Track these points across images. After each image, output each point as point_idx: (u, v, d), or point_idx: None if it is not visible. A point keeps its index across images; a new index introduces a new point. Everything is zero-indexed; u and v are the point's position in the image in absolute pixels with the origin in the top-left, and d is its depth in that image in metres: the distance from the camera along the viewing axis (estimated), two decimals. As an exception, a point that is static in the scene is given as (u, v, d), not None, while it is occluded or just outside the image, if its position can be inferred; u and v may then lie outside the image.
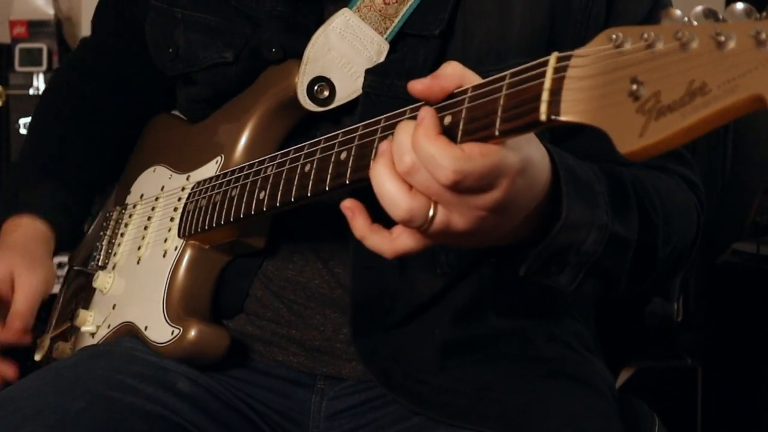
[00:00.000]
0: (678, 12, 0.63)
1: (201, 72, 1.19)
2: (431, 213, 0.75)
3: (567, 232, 0.84)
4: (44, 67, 2.70)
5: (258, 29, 1.13)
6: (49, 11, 2.80)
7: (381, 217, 0.80)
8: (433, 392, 1.03)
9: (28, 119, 2.63)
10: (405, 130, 0.75)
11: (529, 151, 0.77)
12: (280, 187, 0.96)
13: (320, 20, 1.10)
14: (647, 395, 1.30)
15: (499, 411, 0.98)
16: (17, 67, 2.71)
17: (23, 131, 2.65)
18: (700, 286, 2.06)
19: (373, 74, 1.04)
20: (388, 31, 1.05)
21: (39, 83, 2.70)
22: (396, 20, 1.05)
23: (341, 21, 1.06)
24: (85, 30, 2.93)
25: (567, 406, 0.99)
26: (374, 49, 1.05)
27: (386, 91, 1.03)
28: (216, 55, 1.16)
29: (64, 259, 1.44)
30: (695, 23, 0.61)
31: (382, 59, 1.05)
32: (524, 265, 0.86)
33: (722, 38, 0.58)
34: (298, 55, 1.09)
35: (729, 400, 2.23)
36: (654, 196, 0.98)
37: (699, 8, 0.61)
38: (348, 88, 1.06)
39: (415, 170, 0.74)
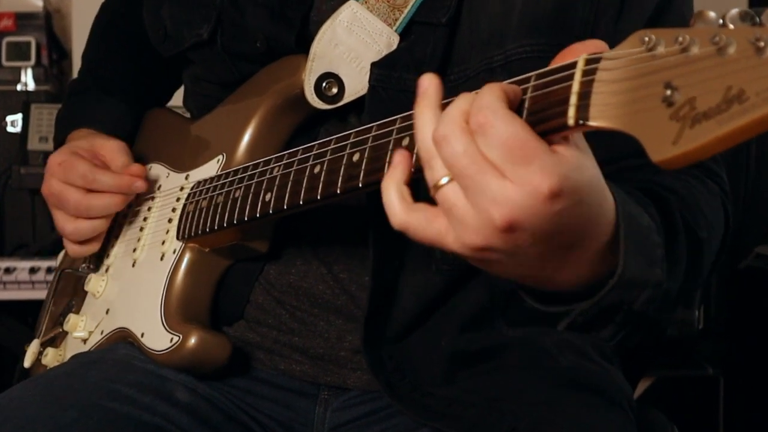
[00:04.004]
0: (712, 14, 0.62)
1: (191, 52, 1.20)
2: (446, 179, 0.72)
3: (619, 290, 0.80)
4: (32, 61, 2.71)
5: (235, 2, 1.13)
6: (38, 3, 2.81)
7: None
8: (441, 404, 1.03)
9: (16, 116, 2.64)
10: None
11: (582, 173, 0.72)
12: (288, 189, 0.95)
13: (307, 14, 1.10)
14: (667, 406, 1.30)
15: (512, 423, 0.98)
16: (4, 62, 2.72)
17: (11, 129, 2.65)
18: (722, 291, 2.06)
19: (379, 67, 1.04)
20: (398, 23, 1.05)
21: (27, 79, 2.70)
22: (406, 11, 1.05)
23: (348, 14, 1.06)
24: (76, 23, 2.93)
25: (582, 418, 0.99)
26: (384, 42, 1.05)
27: (394, 85, 1.03)
28: (193, 33, 1.17)
29: (54, 263, 1.45)
30: (731, 26, 0.61)
31: None
32: (566, 320, 0.83)
33: (762, 44, 0.58)
34: (284, 49, 1.10)
35: (752, 410, 2.23)
36: (702, 225, 0.96)
37: (734, 11, 0.61)
38: (357, 84, 1.06)
39: (445, 142, 0.71)
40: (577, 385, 1.04)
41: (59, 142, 1.32)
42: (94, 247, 1.23)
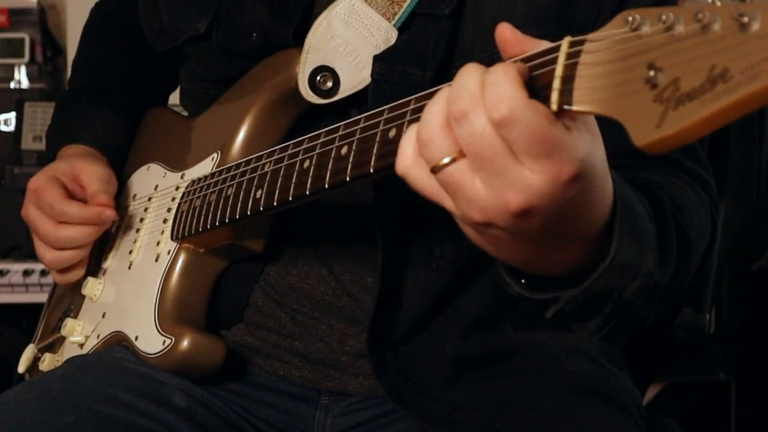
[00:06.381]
0: None
1: (186, 47, 1.21)
2: (448, 159, 0.70)
3: (610, 275, 0.79)
4: (26, 58, 2.71)
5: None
6: (32, -2, 2.81)
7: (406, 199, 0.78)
8: (446, 409, 1.03)
9: (9, 115, 2.64)
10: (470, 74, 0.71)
11: (595, 157, 0.71)
12: (278, 185, 0.96)
13: (310, 8, 1.10)
14: (677, 412, 1.30)
15: (517, 429, 0.99)
16: (-3, 59, 2.72)
17: (4, 128, 2.65)
18: (733, 294, 2.05)
19: (381, 61, 1.04)
20: (397, 17, 1.05)
21: (21, 76, 2.70)
22: (405, 5, 1.05)
23: (345, 6, 1.06)
24: (71, 19, 2.93)
25: (590, 424, 0.99)
26: (381, 36, 1.05)
27: (397, 79, 1.03)
28: (191, 26, 1.17)
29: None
30: (718, 3, 0.60)
31: None
32: (554, 307, 0.82)
33: (746, 19, 0.56)
34: (281, 44, 1.10)
35: (764, 417, 2.23)
36: (691, 226, 0.96)
37: None
38: (353, 78, 1.06)
39: (464, 117, 0.69)
40: (584, 390, 1.04)
41: (50, 158, 1.33)
42: (77, 275, 1.24)
